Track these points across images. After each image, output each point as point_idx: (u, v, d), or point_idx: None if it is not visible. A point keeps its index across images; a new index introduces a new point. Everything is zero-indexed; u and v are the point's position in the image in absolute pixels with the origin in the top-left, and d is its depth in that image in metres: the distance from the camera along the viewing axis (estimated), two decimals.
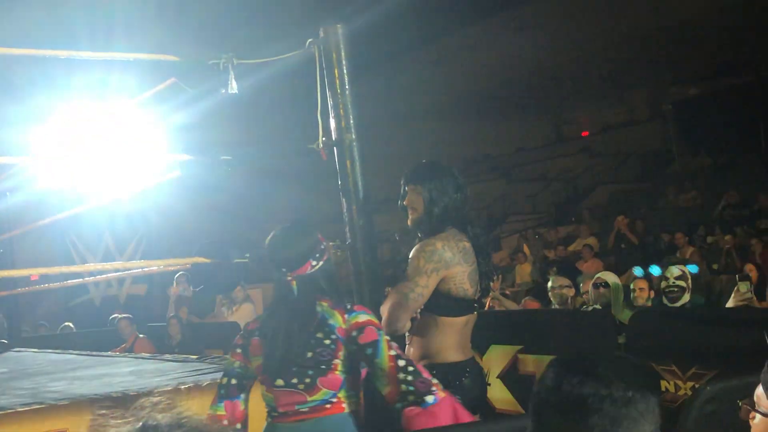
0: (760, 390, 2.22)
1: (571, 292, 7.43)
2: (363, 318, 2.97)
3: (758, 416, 2.21)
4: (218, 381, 3.13)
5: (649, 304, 6.42)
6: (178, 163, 4.23)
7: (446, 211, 3.54)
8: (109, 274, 8.04)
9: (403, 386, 2.88)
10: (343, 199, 3.85)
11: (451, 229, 3.53)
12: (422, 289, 3.41)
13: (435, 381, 2.94)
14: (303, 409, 2.93)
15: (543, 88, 22.39)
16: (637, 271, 12.98)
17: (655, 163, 22.23)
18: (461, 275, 3.47)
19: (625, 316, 5.69)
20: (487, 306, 7.32)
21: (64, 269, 4.82)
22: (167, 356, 5.96)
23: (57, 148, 4.79)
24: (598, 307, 6.27)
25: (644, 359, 4.40)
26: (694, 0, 17.84)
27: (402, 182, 3.64)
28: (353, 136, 3.82)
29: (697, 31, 18.56)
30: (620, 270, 10.63)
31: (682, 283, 5.90)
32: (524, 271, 14.07)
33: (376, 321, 3.02)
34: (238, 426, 3.02)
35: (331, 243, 3.18)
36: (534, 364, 5.20)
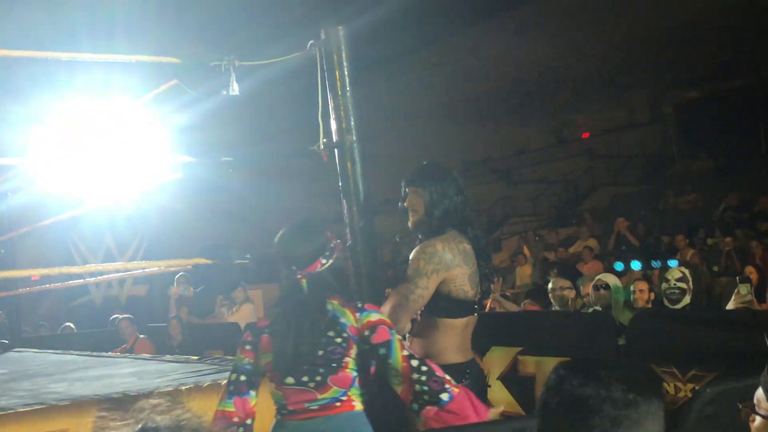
0: (760, 392, 2.22)
1: (572, 293, 7.43)
2: (375, 317, 2.97)
3: (758, 419, 2.21)
4: (227, 377, 3.11)
5: (650, 305, 6.42)
6: (180, 165, 4.24)
7: (447, 213, 3.54)
8: (109, 275, 8.04)
9: (417, 386, 2.89)
10: (344, 201, 3.86)
11: (452, 230, 3.54)
12: (422, 290, 3.42)
13: (447, 377, 2.94)
14: (313, 407, 2.93)
15: (544, 91, 22.40)
16: (634, 264, 13.10)
17: (655, 166, 22.23)
18: (461, 277, 3.48)
19: (625, 317, 5.70)
20: (487, 307, 7.33)
21: (65, 270, 4.82)
22: (168, 357, 5.97)
23: (58, 150, 4.79)
24: (598, 308, 6.27)
25: (644, 361, 4.40)
26: (695, 2, 17.84)
27: (403, 184, 3.65)
28: (354, 138, 3.82)
29: (697, 33, 18.57)
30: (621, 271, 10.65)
31: (682, 284, 5.90)
32: (524, 273, 14.07)
33: (387, 320, 3.02)
34: (249, 421, 3.01)
35: (338, 241, 3.17)
36: (534, 365, 5.20)
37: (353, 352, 2.93)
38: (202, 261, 4.03)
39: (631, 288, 6.62)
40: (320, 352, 2.91)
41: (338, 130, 3.85)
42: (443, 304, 3.48)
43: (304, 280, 2.99)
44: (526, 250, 15.52)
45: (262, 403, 3.10)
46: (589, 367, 1.66)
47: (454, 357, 3.47)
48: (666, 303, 5.92)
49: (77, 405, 3.61)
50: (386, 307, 3.40)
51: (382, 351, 2.92)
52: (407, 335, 3.55)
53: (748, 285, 6.33)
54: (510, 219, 22.20)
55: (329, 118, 3.88)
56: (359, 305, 3.00)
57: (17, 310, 8.07)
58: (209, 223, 15.84)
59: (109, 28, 11.97)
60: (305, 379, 2.92)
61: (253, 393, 3.04)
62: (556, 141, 25.90)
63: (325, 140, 3.89)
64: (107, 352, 7.40)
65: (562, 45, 19.89)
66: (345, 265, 3.24)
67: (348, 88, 3.83)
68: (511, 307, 8.07)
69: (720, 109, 20.16)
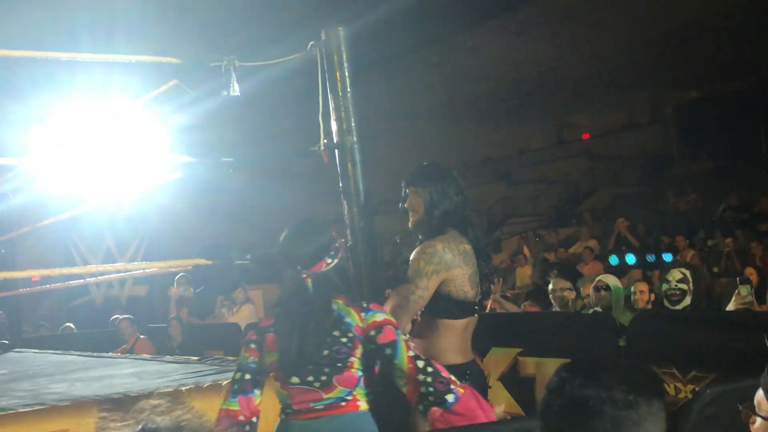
0: (760, 394, 2.22)
1: (572, 294, 7.44)
2: (381, 317, 2.97)
3: (759, 420, 2.21)
4: (231, 376, 3.11)
5: (650, 306, 6.42)
6: (180, 165, 4.24)
7: (447, 214, 3.54)
8: (110, 275, 8.04)
9: (423, 388, 2.89)
10: (344, 201, 3.86)
11: (452, 231, 3.54)
12: (422, 291, 3.42)
13: (453, 378, 2.94)
14: (318, 407, 2.93)
15: (544, 91, 22.38)
16: (629, 258, 13.15)
17: (655, 166, 22.22)
18: (461, 277, 3.48)
19: (625, 318, 5.69)
20: (488, 308, 7.34)
21: (65, 270, 4.82)
22: (168, 357, 5.97)
23: (58, 150, 4.80)
24: (598, 309, 6.27)
25: (644, 362, 4.40)
26: (695, 3, 17.83)
27: (403, 184, 3.65)
28: (354, 139, 3.82)
29: (697, 34, 18.55)
30: (621, 273, 10.64)
31: (683, 285, 5.90)
32: (525, 274, 14.07)
33: (393, 320, 3.01)
34: (254, 420, 3.01)
35: (342, 240, 3.17)
36: (534, 366, 5.20)
37: (358, 351, 2.92)
38: (202, 261, 4.03)
39: (632, 289, 6.62)
40: (325, 352, 2.90)
41: (339, 130, 3.85)
42: (443, 305, 3.48)
43: (309, 280, 2.98)
44: (526, 251, 15.52)
45: (266, 402, 3.09)
46: (590, 369, 1.66)
47: (455, 358, 3.47)
48: (667, 304, 5.92)
49: (77, 405, 3.61)
50: (386, 308, 3.40)
51: (388, 351, 2.91)
52: (407, 336, 3.55)
53: (749, 286, 6.32)
54: (510, 219, 22.19)
55: (330, 118, 3.88)
56: (364, 305, 3.00)
57: (17, 310, 8.07)
58: (209, 223, 15.83)
59: (109, 28, 11.97)
60: (310, 378, 2.92)
61: (257, 392, 3.03)
62: (557, 141, 25.89)
63: (325, 141, 3.89)
64: (107, 352, 7.40)
65: (562, 45, 19.87)
66: (347, 265, 3.24)
67: (348, 89, 3.83)
68: (512, 307, 8.07)
69: (720, 110, 20.15)
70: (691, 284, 5.83)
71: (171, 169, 4.46)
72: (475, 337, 3.64)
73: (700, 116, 21.08)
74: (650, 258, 13.19)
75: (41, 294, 13.74)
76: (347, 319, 2.94)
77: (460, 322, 3.52)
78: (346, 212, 3.87)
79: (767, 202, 14.12)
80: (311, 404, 2.93)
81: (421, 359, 2.93)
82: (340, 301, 2.98)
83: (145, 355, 6.89)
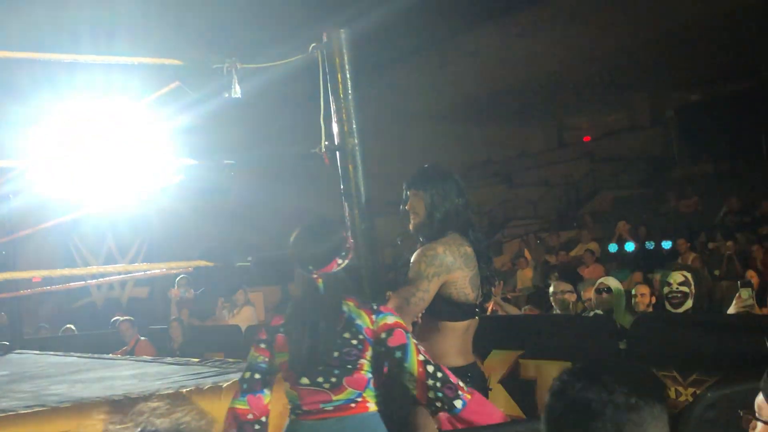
0: (760, 398, 2.22)
1: (573, 297, 7.43)
2: (391, 320, 2.96)
3: (759, 425, 2.21)
4: (241, 375, 3.10)
5: (650, 309, 6.41)
6: (181, 167, 4.24)
7: (448, 216, 3.54)
8: (111, 277, 8.04)
9: (431, 393, 2.88)
10: (345, 204, 3.86)
11: (453, 233, 3.54)
12: (423, 293, 3.41)
13: (461, 384, 2.94)
14: (328, 408, 2.93)
15: (545, 93, 22.38)
16: (629, 246, 13.20)
17: (656, 169, 22.23)
18: (462, 280, 3.48)
19: (626, 321, 5.69)
20: (489, 311, 7.33)
21: (66, 272, 4.83)
22: (168, 359, 5.97)
23: (59, 152, 4.80)
24: (599, 312, 6.27)
25: (645, 365, 4.40)
26: (696, 5, 17.83)
27: (404, 187, 3.65)
28: (356, 141, 3.82)
29: (699, 36, 18.56)
30: (622, 275, 10.64)
31: (685, 288, 5.89)
32: (526, 276, 14.07)
33: (403, 323, 3.01)
34: (263, 419, 3.01)
35: (352, 241, 3.16)
36: (535, 369, 5.21)
37: (368, 354, 2.92)
38: (203, 263, 4.03)
39: (633, 292, 6.61)
40: (335, 354, 2.90)
41: (340, 132, 3.85)
42: (444, 307, 3.48)
43: (320, 280, 2.96)
44: (527, 253, 15.52)
45: (276, 401, 3.10)
46: (592, 372, 1.66)
47: (455, 360, 3.46)
48: (668, 307, 5.91)
49: (78, 407, 3.61)
50: None
51: (398, 354, 2.91)
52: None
53: (750, 289, 6.31)
54: (511, 222, 22.19)
55: (331, 120, 3.88)
56: (375, 307, 2.98)
57: (18, 311, 8.07)
58: (211, 225, 15.83)
59: (110, 30, 11.99)
60: (320, 380, 2.91)
61: (267, 391, 3.03)
62: (558, 144, 25.90)
63: (326, 143, 3.89)
64: (108, 354, 7.40)
65: (563, 48, 19.88)
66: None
67: (350, 91, 3.83)
68: (512, 310, 8.08)
69: (722, 113, 20.15)
70: (692, 287, 5.83)
71: (172, 171, 4.46)
72: (476, 340, 3.64)
73: (701, 118, 21.08)
74: (649, 245, 13.27)
75: (42, 295, 13.73)
76: (358, 321, 2.93)
77: (461, 325, 3.52)
78: (347, 214, 3.87)
79: None
80: (321, 405, 2.93)
81: (431, 364, 2.93)
82: (351, 303, 2.97)
83: (145, 357, 6.89)
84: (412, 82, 21.30)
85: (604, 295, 6.25)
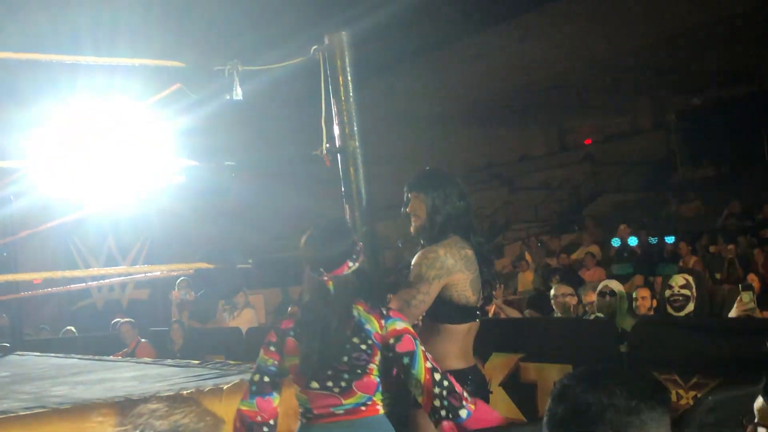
0: (760, 401, 2.22)
1: (574, 300, 7.42)
2: (400, 326, 2.95)
3: (761, 430, 2.21)
4: (250, 377, 3.10)
5: (651, 313, 6.41)
6: (183, 168, 4.25)
7: (449, 219, 3.54)
8: (111, 279, 8.05)
9: (437, 401, 2.88)
10: (346, 206, 3.86)
11: (454, 236, 3.53)
12: (424, 296, 3.41)
13: (465, 394, 2.94)
14: (338, 412, 2.93)
15: (546, 97, 22.40)
16: (632, 240, 13.22)
17: (658, 173, 22.24)
18: (463, 282, 3.47)
19: (627, 324, 5.69)
20: (491, 313, 7.33)
21: (67, 273, 4.83)
22: (169, 361, 5.97)
23: (61, 153, 4.80)
24: (600, 315, 6.26)
25: (646, 368, 4.40)
26: (698, 9, 17.84)
27: (405, 189, 3.65)
28: (357, 143, 3.83)
29: (700, 41, 18.57)
30: (623, 279, 10.62)
31: (686, 291, 5.89)
32: (526, 279, 14.06)
33: (412, 329, 3.00)
34: (272, 422, 3.01)
35: (362, 244, 3.15)
36: (536, 372, 5.20)
37: (377, 358, 2.92)
38: (204, 265, 4.03)
39: (634, 295, 6.61)
40: (345, 359, 2.90)
41: (341, 135, 3.86)
42: (445, 310, 3.48)
43: (330, 283, 2.96)
44: (527, 256, 15.51)
45: (284, 402, 3.10)
46: (593, 376, 1.67)
47: (456, 363, 3.46)
48: (670, 310, 5.92)
49: (79, 408, 3.61)
50: None
51: (406, 360, 2.90)
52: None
53: (751, 293, 6.31)
54: (512, 225, 22.19)
55: (332, 122, 3.88)
56: (384, 312, 2.98)
57: (19, 313, 8.07)
58: (212, 226, 15.84)
59: (113, 32, 12.00)
60: (330, 384, 2.92)
61: (275, 394, 3.03)
62: (559, 147, 25.91)
63: (327, 145, 3.89)
64: (108, 355, 7.40)
65: (565, 51, 19.89)
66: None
67: (351, 93, 3.84)
68: (513, 313, 8.07)
69: (723, 117, 20.18)
70: (694, 290, 5.83)
71: (173, 172, 4.46)
72: (477, 342, 3.63)
73: (702, 122, 21.10)
74: (652, 240, 13.29)
75: (43, 297, 13.73)
76: (367, 326, 2.92)
77: (462, 327, 3.51)
78: (348, 216, 3.87)
79: None
80: (331, 409, 2.93)
81: (438, 372, 2.92)
82: (360, 308, 2.96)
83: (146, 359, 6.89)
84: (413, 85, 21.33)
85: (608, 298, 6.24)
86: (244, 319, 9.67)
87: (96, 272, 7.21)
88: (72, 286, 7.10)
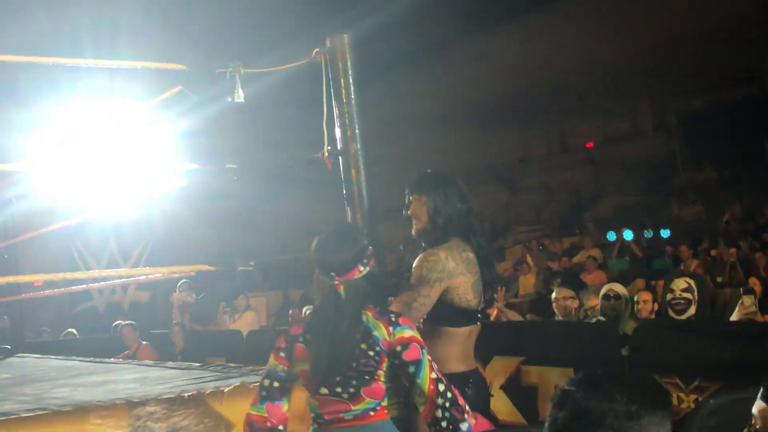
0: (760, 404, 2.22)
1: (575, 303, 7.41)
2: (408, 333, 2.95)
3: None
4: (260, 382, 3.10)
5: (653, 316, 6.40)
6: (184, 171, 4.25)
7: (450, 221, 3.53)
8: (113, 281, 8.05)
9: (439, 412, 2.87)
10: (348, 208, 3.86)
11: (455, 239, 3.53)
12: (425, 298, 3.41)
13: (467, 407, 2.93)
14: (347, 417, 2.94)
15: (547, 99, 22.39)
16: (627, 234, 13.22)
17: (659, 176, 22.21)
18: (464, 285, 3.47)
19: (629, 328, 5.68)
20: (492, 317, 7.33)
21: (68, 275, 4.83)
22: (170, 364, 5.97)
23: (62, 156, 4.80)
24: (601, 318, 6.26)
25: (647, 371, 4.39)
26: (699, 12, 17.84)
27: (406, 192, 3.65)
28: (358, 146, 3.82)
29: (701, 44, 18.56)
30: (625, 282, 10.61)
31: (688, 295, 5.89)
32: (528, 282, 14.05)
33: (419, 337, 2.99)
34: (281, 428, 3.02)
35: (372, 248, 3.14)
36: (537, 375, 5.20)
37: (385, 365, 2.92)
38: (205, 268, 4.03)
39: (635, 298, 6.60)
40: (353, 365, 2.90)
41: (342, 137, 3.86)
42: (446, 313, 3.47)
43: (341, 287, 2.96)
44: (529, 259, 15.50)
45: (294, 406, 3.10)
46: (594, 380, 1.66)
47: (457, 366, 3.46)
48: (671, 313, 5.91)
49: (80, 410, 3.61)
50: None
51: (412, 369, 2.90)
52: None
53: (752, 296, 6.30)
54: (513, 228, 22.17)
55: (334, 125, 3.88)
56: (393, 319, 2.97)
57: (20, 315, 8.07)
58: (213, 229, 15.85)
59: (113, 33, 12.00)
60: (339, 390, 2.92)
61: (285, 399, 3.04)
62: (560, 149, 25.87)
63: (329, 147, 3.89)
64: (110, 358, 7.40)
65: (566, 54, 19.89)
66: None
67: (353, 96, 3.84)
68: (514, 316, 8.06)
69: (725, 120, 20.15)
70: (695, 294, 5.82)
71: (175, 175, 4.46)
72: (478, 346, 3.63)
73: (704, 125, 21.07)
74: (648, 234, 13.30)
75: (44, 299, 13.74)
76: (375, 333, 2.92)
77: (463, 330, 3.51)
78: (349, 219, 3.87)
79: None
80: (341, 414, 2.94)
81: (443, 383, 2.92)
82: (369, 314, 2.95)
83: (147, 361, 6.89)
84: (414, 87, 21.32)
85: (612, 301, 6.23)
86: (245, 322, 9.68)
87: (97, 274, 7.21)
88: (73, 288, 7.09)
